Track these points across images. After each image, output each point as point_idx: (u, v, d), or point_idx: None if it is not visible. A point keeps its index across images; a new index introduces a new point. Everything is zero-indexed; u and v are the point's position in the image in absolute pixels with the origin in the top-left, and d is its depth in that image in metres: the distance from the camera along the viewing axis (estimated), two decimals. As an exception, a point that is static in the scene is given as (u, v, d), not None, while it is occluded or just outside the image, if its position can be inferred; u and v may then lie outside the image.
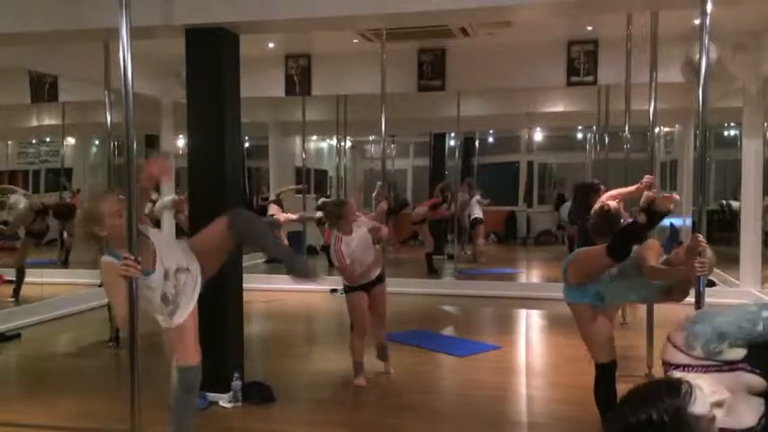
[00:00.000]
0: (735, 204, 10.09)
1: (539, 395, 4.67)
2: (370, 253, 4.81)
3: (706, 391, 1.64)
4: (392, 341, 6.11)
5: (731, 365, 1.77)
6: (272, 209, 10.04)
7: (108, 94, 6.23)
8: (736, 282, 7.96)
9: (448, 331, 6.85)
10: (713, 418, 1.59)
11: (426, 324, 6.89)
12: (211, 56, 4.50)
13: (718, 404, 1.66)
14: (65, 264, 9.76)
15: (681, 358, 1.80)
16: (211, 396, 4.37)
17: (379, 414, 4.40)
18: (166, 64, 7.91)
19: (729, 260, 8.02)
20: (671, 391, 1.56)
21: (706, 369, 1.76)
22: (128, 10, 2.90)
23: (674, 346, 1.83)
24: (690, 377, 1.71)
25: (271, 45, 8.11)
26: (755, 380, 1.76)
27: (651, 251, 3.49)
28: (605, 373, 3.51)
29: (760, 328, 1.78)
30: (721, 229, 10.63)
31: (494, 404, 4.46)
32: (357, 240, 4.71)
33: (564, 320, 7.35)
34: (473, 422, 4.14)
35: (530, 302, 8.00)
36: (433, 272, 10.14)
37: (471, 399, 4.59)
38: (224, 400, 4.37)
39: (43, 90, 8.46)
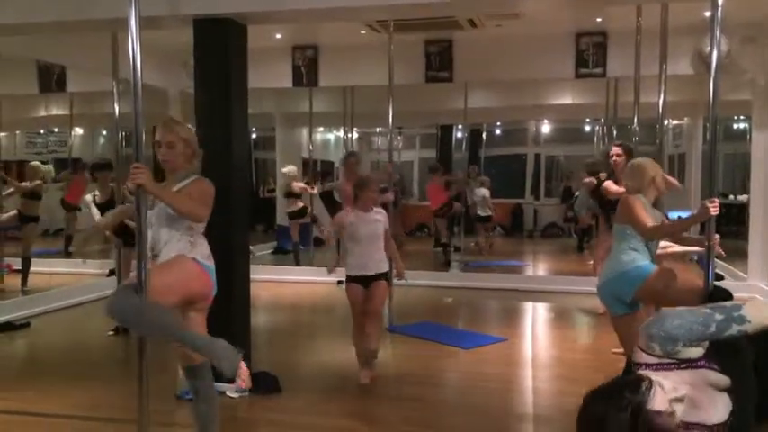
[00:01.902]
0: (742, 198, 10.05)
1: (544, 387, 4.67)
2: (375, 243, 4.79)
3: (667, 388, 1.74)
4: (398, 333, 6.15)
5: (690, 363, 1.85)
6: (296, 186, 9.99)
7: (116, 84, 6.24)
8: (744, 275, 7.93)
9: (454, 323, 6.86)
10: (672, 413, 1.71)
11: (432, 316, 6.90)
12: (219, 46, 4.50)
13: (679, 399, 1.75)
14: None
15: (644, 358, 1.89)
16: (218, 386, 4.35)
17: (384, 405, 4.41)
18: (173, 54, 7.91)
19: (738, 254, 7.99)
20: (632, 387, 1.70)
21: (666, 367, 1.85)
22: (136, 0, 2.89)
23: (639, 347, 1.92)
24: (652, 375, 1.80)
25: (278, 36, 8.10)
26: (715, 376, 1.84)
27: (640, 209, 3.51)
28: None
29: (713, 329, 1.84)
30: (728, 222, 10.59)
31: (499, 396, 4.47)
32: (367, 223, 4.70)
33: (569, 313, 7.37)
34: (479, 414, 4.15)
35: (536, 295, 8.01)
36: (447, 264, 10.12)
37: (477, 391, 4.60)
38: (231, 390, 4.38)
39: (51, 80, 8.49)
